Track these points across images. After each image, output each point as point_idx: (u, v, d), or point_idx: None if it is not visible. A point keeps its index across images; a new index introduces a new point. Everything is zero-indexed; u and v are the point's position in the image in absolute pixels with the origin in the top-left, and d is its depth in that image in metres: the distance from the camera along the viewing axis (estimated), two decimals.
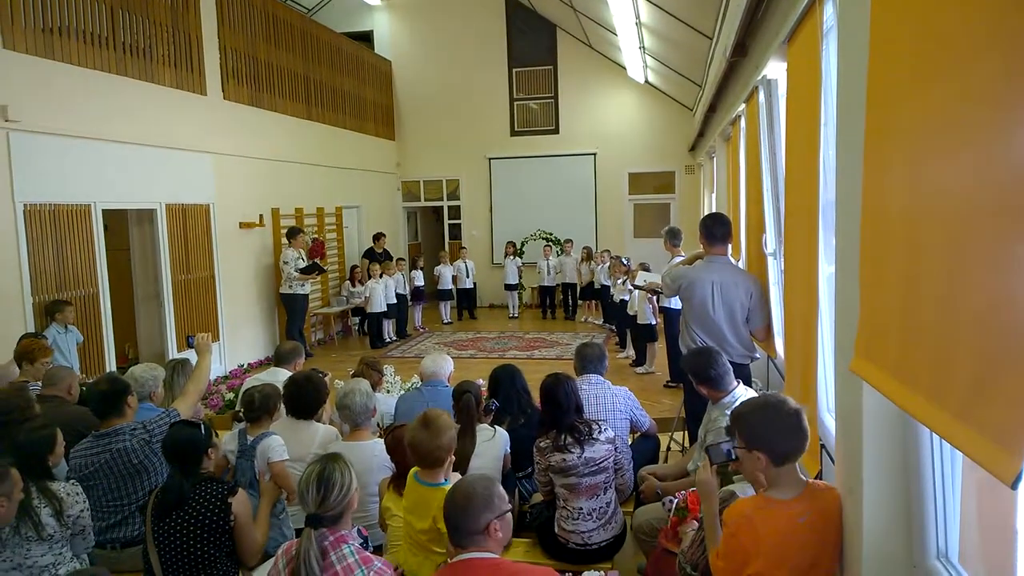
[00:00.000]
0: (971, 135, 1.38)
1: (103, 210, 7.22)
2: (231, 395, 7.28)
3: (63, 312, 6.28)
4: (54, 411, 3.82)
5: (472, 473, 3.18)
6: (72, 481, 3.12)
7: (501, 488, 2.36)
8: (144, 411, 3.74)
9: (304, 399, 3.84)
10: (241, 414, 3.78)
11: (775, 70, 4.21)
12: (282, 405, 3.85)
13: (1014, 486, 1.17)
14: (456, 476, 3.46)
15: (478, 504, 2.25)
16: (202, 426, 3.04)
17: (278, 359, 5.04)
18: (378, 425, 3.88)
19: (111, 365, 7.20)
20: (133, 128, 7.56)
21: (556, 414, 3.58)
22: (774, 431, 2.32)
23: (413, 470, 3.07)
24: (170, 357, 7.71)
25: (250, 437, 3.64)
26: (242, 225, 9.57)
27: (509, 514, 2.35)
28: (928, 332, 1.55)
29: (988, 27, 1.30)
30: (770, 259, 4.62)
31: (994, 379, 1.25)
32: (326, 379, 4.24)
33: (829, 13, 2.82)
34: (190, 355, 4.41)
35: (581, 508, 3.52)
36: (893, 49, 1.78)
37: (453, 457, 3.05)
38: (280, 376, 4.55)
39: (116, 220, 7.98)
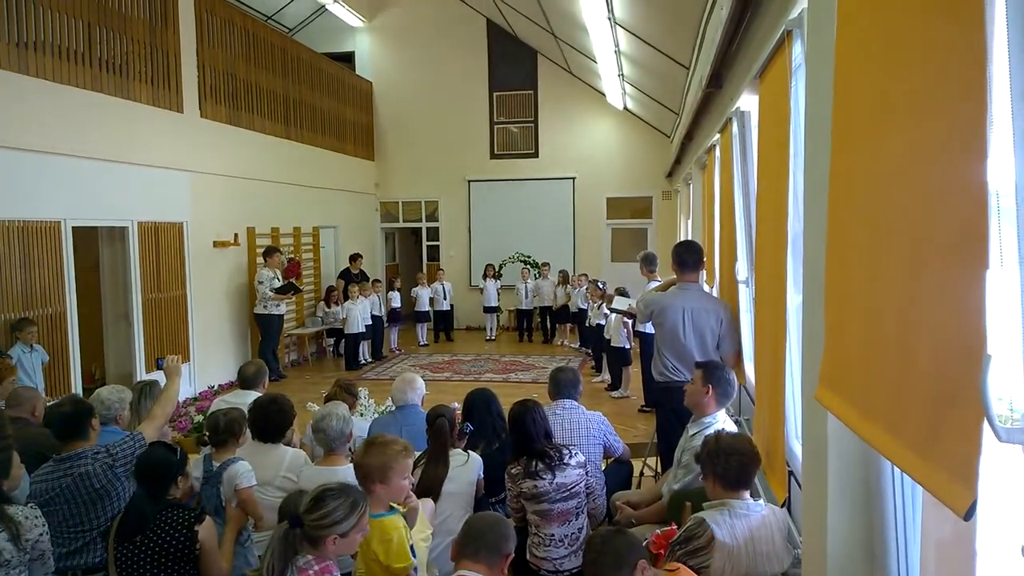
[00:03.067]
0: (923, 181, 1.43)
1: (73, 227, 7.13)
2: (200, 417, 7.18)
3: (26, 330, 6.16)
4: (18, 433, 3.72)
5: (488, 515, 3.14)
6: (31, 504, 3.05)
7: (511, 533, 2.63)
8: (108, 434, 3.67)
9: (270, 422, 3.80)
10: (206, 438, 3.72)
11: (748, 103, 4.30)
12: (248, 429, 3.80)
13: (966, 517, 1.19)
14: (428, 502, 3.45)
15: (505, 532, 2.55)
16: (178, 451, 2.99)
17: (244, 382, 4.94)
18: (350, 450, 3.84)
19: (77, 386, 7.07)
20: (107, 145, 7.50)
21: (525, 441, 3.58)
22: None
23: None
24: (138, 378, 7.59)
25: (216, 463, 3.58)
26: (216, 244, 9.49)
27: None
28: (886, 364, 1.59)
29: (938, 83, 1.37)
30: (742, 286, 4.68)
31: (948, 412, 1.28)
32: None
33: (798, 52, 2.89)
34: (159, 376, 4.35)
35: (553, 534, 3.51)
36: (855, 91, 1.84)
37: (406, 484, 2.95)
38: (249, 398, 4.50)
39: (86, 237, 7.88)
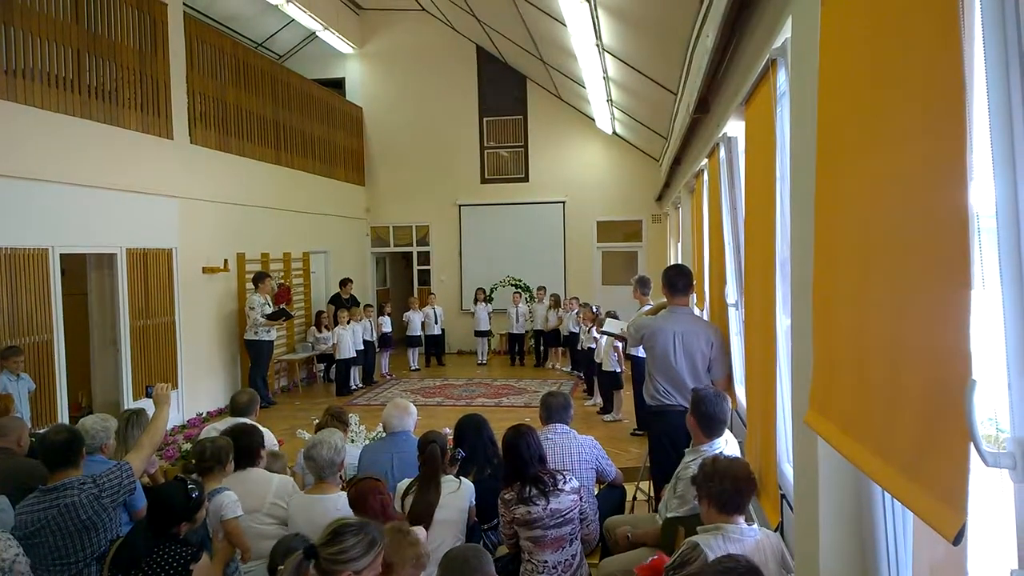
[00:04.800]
0: (906, 205, 1.45)
1: (61, 254, 7.10)
2: (188, 445, 7.10)
3: (12, 359, 6.09)
4: (2, 464, 3.69)
5: (464, 545, 3.12)
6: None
7: (489, 557, 2.60)
8: (94, 464, 3.62)
9: (237, 446, 3.78)
10: (192, 465, 3.68)
11: (735, 128, 4.35)
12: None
13: (955, 542, 1.20)
14: (420, 530, 3.42)
15: (485, 556, 2.56)
16: (197, 490, 2.98)
17: (237, 410, 4.91)
18: (341, 478, 3.81)
19: (64, 414, 6.99)
20: (96, 171, 7.49)
21: (519, 466, 3.56)
22: None
23: None
24: (126, 406, 7.52)
25: None
26: (206, 270, 9.46)
27: None
28: (874, 389, 1.60)
29: (919, 110, 1.39)
30: (732, 310, 4.70)
31: (935, 437, 1.29)
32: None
33: (782, 79, 2.93)
34: (147, 404, 4.31)
35: (547, 561, 3.48)
36: (839, 118, 1.87)
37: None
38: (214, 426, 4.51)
39: (74, 264, 7.84)
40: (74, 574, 3.29)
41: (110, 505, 3.27)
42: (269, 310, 9.70)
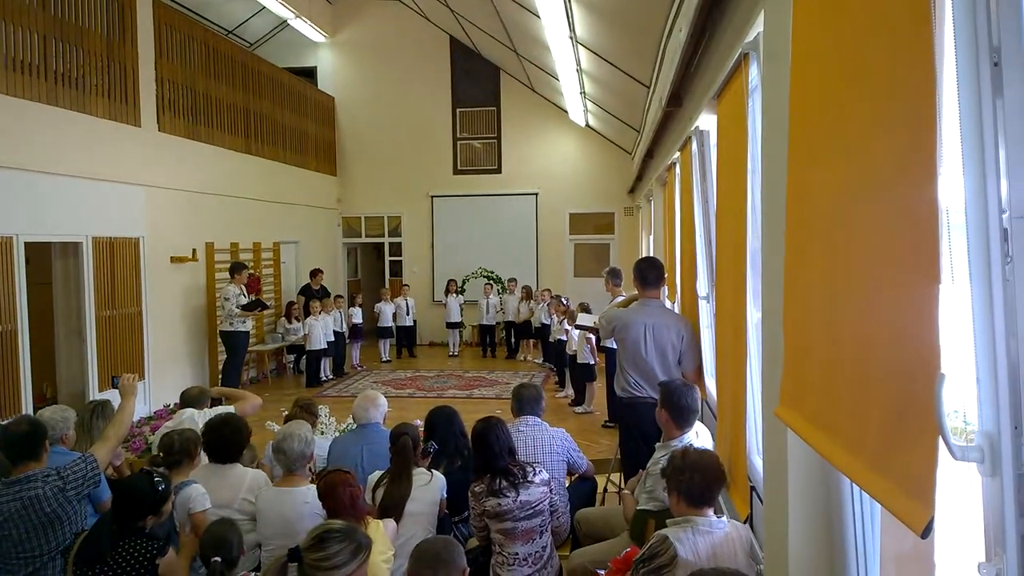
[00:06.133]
0: (876, 199, 1.47)
1: (25, 242, 6.93)
2: (153, 437, 6.99)
3: None
4: None
5: (435, 537, 3.11)
6: None
7: (461, 549, 2.59)
8: (56, 456, 3.54)
9: (224, 443, 3.71)
10: (159, 459, 3.62)
11: (707, 122, 4.37)
12: (202, 451, 3.71)
13: (924, 535, 1.21)
14: (390, 523, 3.40)
15: (457, 548, 2.54)
16: (163, 482, 2.92)
17: (188, 404, 4.80)
18: (310, 470, 3.77)
19: (28, 405, 6.83)
20: (63, 159, 7.32)
21: (488, 458, 3.55)
22: None
23: None
24: (91, 397, 7.37)
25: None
26: (174, 259, 9.30)
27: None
28: (843, 382, 1.61)
29: (889, 105, 1.41)
30: (703, 302, 4.73)
31: (903, 430, 1.30)
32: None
33: (754, 73, 2.95)
34: (112, 395, 4.23)
35: (517, 553, 3.48)
36: (810, 112, 1.89)
37: None
38: (193, 417, 4.43)
39: (38, 253, 7.65)
40: (38, 568, 3.22)
41: (75, 498, 3.21)
42: (244, 300, 9.57)
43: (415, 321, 13.36)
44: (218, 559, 2.81)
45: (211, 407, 4.73)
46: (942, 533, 1.40)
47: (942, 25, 1.29)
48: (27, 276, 6.96)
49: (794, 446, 2.11)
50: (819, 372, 1.78)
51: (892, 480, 1.33)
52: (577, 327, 8.11)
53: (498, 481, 3.48)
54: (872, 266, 1.49)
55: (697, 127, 4.56)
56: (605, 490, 5.30)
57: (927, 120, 1.24)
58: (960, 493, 1.37)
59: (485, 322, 13.10)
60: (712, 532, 2.68)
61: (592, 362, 8.56)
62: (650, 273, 4.70)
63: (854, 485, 2.01)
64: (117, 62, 8.27)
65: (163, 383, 9.03)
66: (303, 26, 13.71)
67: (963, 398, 1.29)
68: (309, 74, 14.65)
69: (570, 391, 9.28)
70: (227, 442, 3.72)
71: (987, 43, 1.19)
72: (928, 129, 1.23)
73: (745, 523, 2.97)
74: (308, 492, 3.53)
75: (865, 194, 1.53)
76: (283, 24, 13.91)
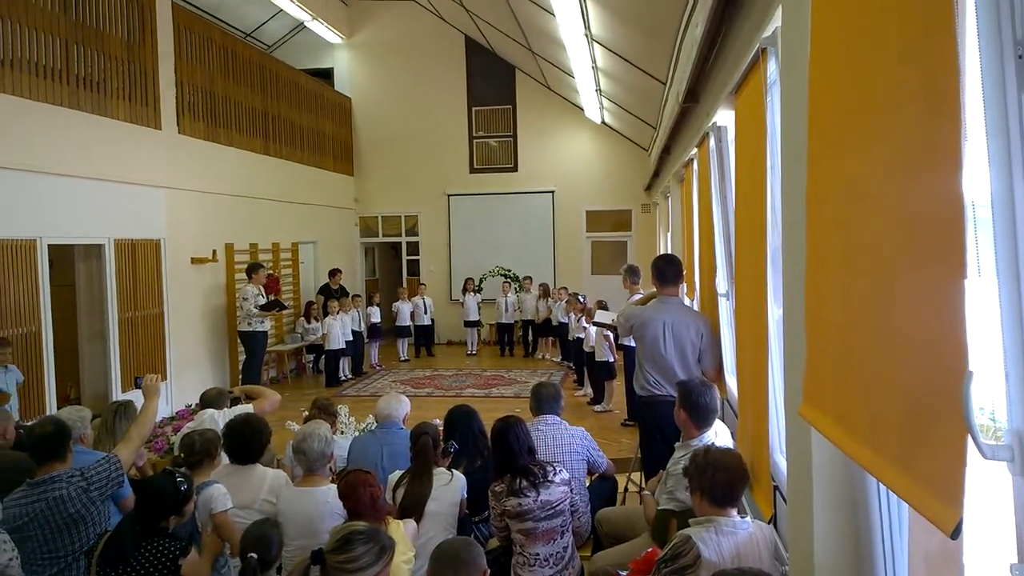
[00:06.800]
0: (899, 193, 1.44)
1: (49, 245, 7.02)
2: (176, 438, 7.06)
3: (0, 351, 6.04)
4: None
5: (455, 538, 3.12)
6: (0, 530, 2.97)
7: (481, 549, 2.57)
8: (79, 455, 3.58)
9: (245, 444, 3.74)
10: (180, 459, 3.65)
11: (725, 118, 4.33)
12: (223, 451, 3.74)
13: (953, 536, 1.19)
14: (410, 523, 3.41)
15: (477, 548, 2.53)
16: (185, 483, 2.95)
17: (207, 405, 4.86)
18: (331, 470, 3.79)
19: (52, 406, 6.93)
20: (84, 162, 7.41)
21: (508, 458, 3.55)
22: None
23: None
24: (114, 398, 7.46)
25: None
26: (194, 260, 9.39)
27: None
28: (868, 380, 1.59)
29: (912, 97, 1.38)
30: (722, 300, 4.69)
31: (931, 429, 1.28)
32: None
33: (773, 68, 2.92)
34: (135, 396, 4.27)
35: (538, 554, 3.47)
36: (830, 107, 1.86)
37: None
38: (214, 417, 4.46)
39: (62, 255, 7.76)
40: (62, 568, 3.25)
41: (98, 498, 3.24)
42: (263, 301, 9.64)
43: (433, 320, 13.39)
44: (254, 555, 2.83)
45: (231, 407, 4.77)
46: (972, 533, 1.38)
47: (964, 18, 1.27)
48: (51, 278, 7.06)
49: (818, 446, 2.08)
50: (843, 370, 1.75)
51: (920, 480, 1.31)
52: (595, 324, 8.08)
53: (518, 481, 3.47)
54: (896, 261, 1.46)
55: (715, 123, 4.53)
56: (626, 489, 5.27)
57: (951, 112, 1.21)
58: (990, 492, 1.35)
59: (503, 320, 13.10)
60: (736, 532, 2.65)
61: (611, 360, 8.53)
62: (668, 270, 4.67)
63: (881, 485, 1.98)
64: (137, 66, 8.37)
65: (184, 383, 9.12)
66: (319, 28, 13.78)
67: (991, 395, 1.27)
68: (326, 75, 14.73)
69: (589, 390, 9.25)
70: (247, 442, 3.75)
71: (1011, 36, 1.17)
72: (953, 121, 1.21)
73: (769, 523, 2.94)
74: (329, 492, 3.54)
75: (888, 188, 1.51)
76: (300, 26, 14.00)
